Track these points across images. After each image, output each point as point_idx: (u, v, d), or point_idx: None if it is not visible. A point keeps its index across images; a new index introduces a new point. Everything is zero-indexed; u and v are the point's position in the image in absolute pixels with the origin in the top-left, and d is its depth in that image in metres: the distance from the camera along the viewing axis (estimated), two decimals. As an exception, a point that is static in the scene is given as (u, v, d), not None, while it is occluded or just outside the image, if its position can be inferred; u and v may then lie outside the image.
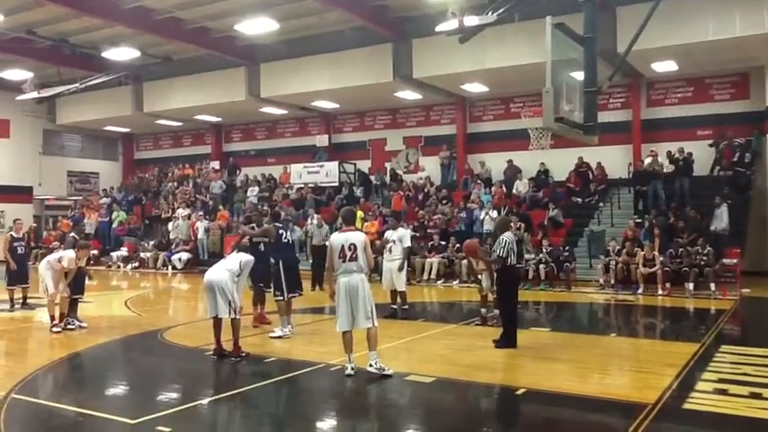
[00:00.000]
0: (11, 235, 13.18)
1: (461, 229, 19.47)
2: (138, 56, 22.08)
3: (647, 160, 19.13)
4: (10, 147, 28.65)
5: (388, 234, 11.54)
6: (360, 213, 21.35)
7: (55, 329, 10.27)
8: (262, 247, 10.27)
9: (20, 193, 28.53)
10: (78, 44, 22.51)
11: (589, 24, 10.11)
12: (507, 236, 9.03)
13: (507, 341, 8.81)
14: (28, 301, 13.22)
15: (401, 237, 11.58)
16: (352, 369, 7.28)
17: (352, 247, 7.33)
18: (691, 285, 14.80)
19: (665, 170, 18.74)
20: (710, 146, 19.15)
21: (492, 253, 9.28)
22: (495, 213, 18.43)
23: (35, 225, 28.42)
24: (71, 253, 10.57)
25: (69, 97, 26.09)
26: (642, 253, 15.39)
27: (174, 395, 7.02)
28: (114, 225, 26.28)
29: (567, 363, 8.21)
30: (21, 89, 24.10)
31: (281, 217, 11.87)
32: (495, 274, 9.53)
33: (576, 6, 10.52)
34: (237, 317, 8.26)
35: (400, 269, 11.42)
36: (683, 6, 15.97)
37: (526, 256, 16.38)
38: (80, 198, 30.39)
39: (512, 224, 11.61)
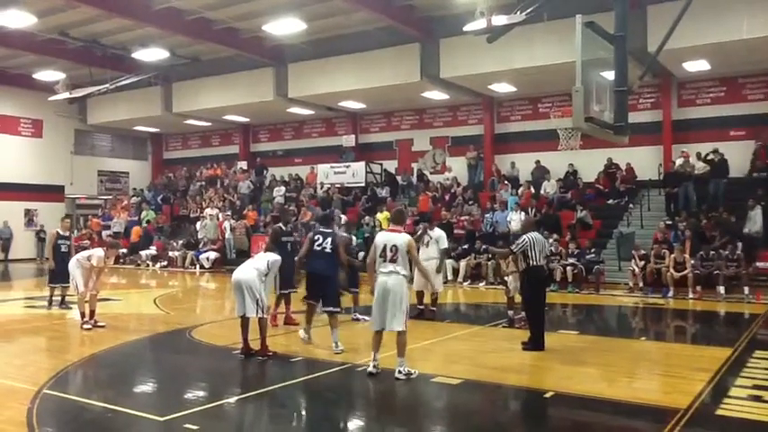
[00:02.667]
0: (57, 232, 13.08)
1: (488, 230, 19.35)
2: (168, 56, 22.36)
3: (679, 161, 18.85)
4: (43, 147, 29.17)
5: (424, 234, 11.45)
6: (386, 214, 21.38)
7: (85, 327, 10.42)
8: (289, 246, 10.22)
9: (52, 192, 29.02)
10: (109, 45, 22.85)
11: (620, 23, 9.99)
12: (529, 236, 8.92)
13: (534, 344, 8.73)
14: (66, 300, 13.00)
15: (438, 237, 11.48)
16: (375, 368, 7.29)
17: (393, 248, 7.26)
18: (722, 289, 14.53)
19: (696, 171, 18.44)
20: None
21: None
22: (520, 215, 18.27)
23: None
24: (100, 251, 10.71)
25: (100, 98, 26.51)
26: (672, 256, 15.15)
27: (202, 393, 7.07)
28: (143, 224, 26.60)
29: (596, 366, 8.11)
30: (53, 90, 24.54)
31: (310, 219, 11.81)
32: (520, 275, 9.41)
33: (606, 5, 10.42)
34: (265, 316, 8.30)
35: (438, 270, 11.30)
36: (715, 4, 15.70)
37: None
38: (110, 197, 30.84)
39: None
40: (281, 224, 10.70)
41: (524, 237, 8.91)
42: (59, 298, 12.93)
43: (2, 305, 14.22)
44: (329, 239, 8.81)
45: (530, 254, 8.78)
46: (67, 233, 13.26)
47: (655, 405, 6.37)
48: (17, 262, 26.82)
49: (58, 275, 12.59)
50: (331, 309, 8.68)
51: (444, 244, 11.71)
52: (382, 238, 7.45)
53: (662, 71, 18.94)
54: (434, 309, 11.55)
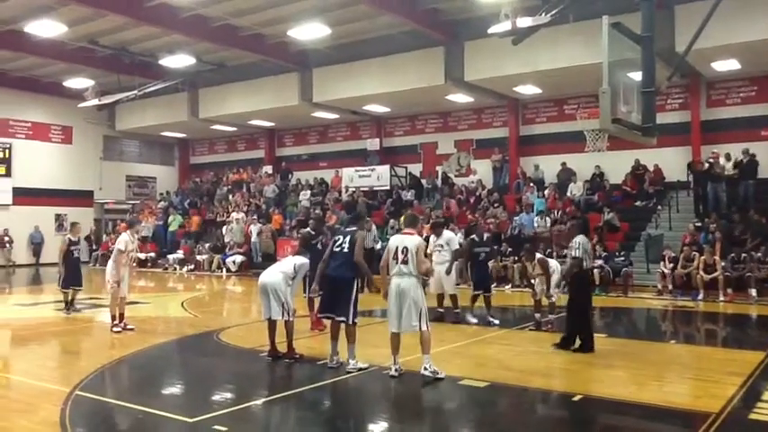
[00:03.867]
0: (68, 238, 13.15)
1: (514, 233, 19.25)
2: (194, 63, 22.62)
3: (708, 162, 18.57)
4: (73, 153, 29.67)
5: (432, 239, 11.51)
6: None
7: (115, 329, 10.56)
8: (320, 246, 10.06)
9: (81, 197, 29.52)
10: (137, 52, 23.18)
11: (647, 23, 9.88)
12: (581, 238, 8.90)
13: (587, 346, 8.72)
14: (76, 303, 13.19)
15: (448, 240, 11.50)
16: (396, 371, 7.33)
17: (404, 250, 7.36)
18: (754, 291, 14.29)
19: (726, 172, 18.16)
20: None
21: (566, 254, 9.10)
22: (543, 219, 18.16)
23: (94, 228, 29.44)
24: (123, 236, 10.83)
25: (128, 104, 26.93)
26: (702, 258, 14.93)
27: (230, 395, 7.12)
28: (171, 228, 26.90)
29: (625, 369, 8.02)
30: (82, 97, 24.97)
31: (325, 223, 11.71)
32: (571, 278, 9.29)
33: (632, 6, 10.30)
34: (291, 319, 8.34)
35: (448, 272, 11.29)
36: (745, 3, 15.43)
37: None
38: (138, 202, 31.27)
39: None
40: (309, 228, 10.75)
41: (577, 240, 8.89)
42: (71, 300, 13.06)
43: (34, 308, 14.52)
44: (348, 237, 7.95)
45: (583, 257, 8.81)
46: (77, 238, 13.37)
47: (685, 409, 6.28)
48: (48, 266, 27.28)
49: (71, 279, 12.83)
50: (342, 319, 7.66)
51: (455, 245, 11.73)
52: (395, 241, 7.58)
53: (690, 71, 18.69)
54: (458, 311, 11.50)
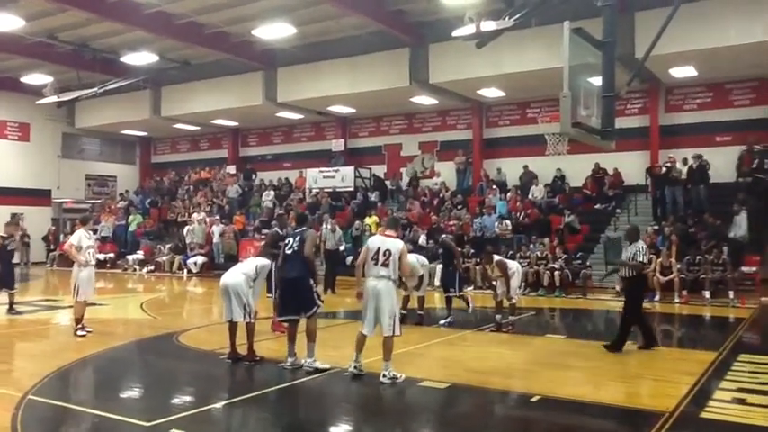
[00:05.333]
0: (1, 236, 12.52)
1: (477, 234, 19.41)
2: (157, 60, 22.30)
3: (665, 167, 18.96)
4: (30, 150, 28.98)
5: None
6: (375, 219, 21.42)
7: (80, 333, 10.22)
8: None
9: (38, 196, 28.84)
10: (98, 49, 22.76)
11: (608, 29, 10.02)
12: (641, 243, 9.24)
13: (648, 342, 9.19)
14: (15, 306, 12.69)
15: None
16: (357, 368, 7.35)
17: (387, 252, 7.27)
18: (708, 293, 14.66)
19: (682, 176, 18.58)
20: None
21: (632, 258, 9.23)
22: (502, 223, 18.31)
23: (53, 228, 28.80)
24: (77, 232, 10.51)
25: (88, 101, 26.34)
26: (659, 260, 15.25)
27: (189, 398, 7.04)
28: (131, 228, 26.47)
29: (583, 370, 8.16)
30: (41, 93, 24.39)
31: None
32: (625, 281, 9.58)
33: (594, 11, 10.44)
34: (252, 321, 8.28)
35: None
36: (702, 11, 15.83)
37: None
38: (98, 201, 30.67)
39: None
40: (277, 229, 10.67)
41: (639, 244, 9.19)
42: (8, 305, 12.54)
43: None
44: (298, 237, 7.91)
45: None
46: (8, 234, 12.72)
47: (640, 408, 6.42)
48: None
49: (2, 280, 12.35)
50: (308, 313, 7.70)
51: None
52: (376, 242, 7.46)
53: (649, 77, 19.09)
54: (422, 312, 11.58)
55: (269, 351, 8.76)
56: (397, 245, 7.36)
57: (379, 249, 7.31)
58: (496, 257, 11.33)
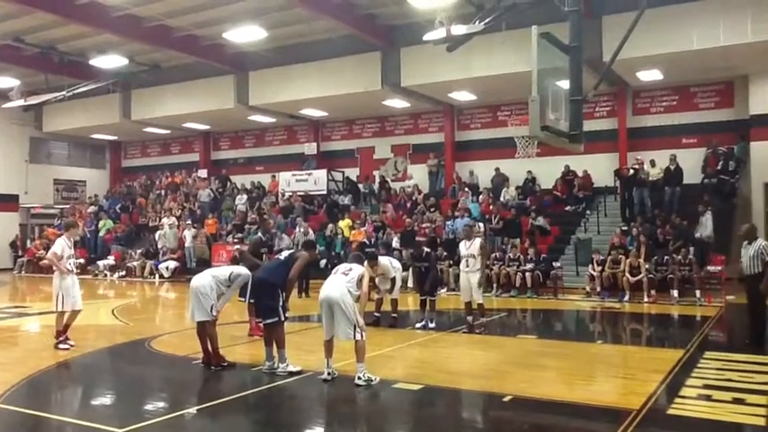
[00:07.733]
0: None
1: (449, 237, 19.51)
2: (127, 63, 22.08)
3: (633, 168, 19.28)
4: (-4, 154, 28.48)
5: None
6: (347, 222, 21.45)
7: (62, 346, 9.54)
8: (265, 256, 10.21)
9: (5, 202, 28.33)
10: (66, 51, 22.48)
11: (575, 33, 10.22)
12: (762, 241, 9.50)
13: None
14: None
15: (385, 270, 11.41)
16: (329, 374, 7.38)
17: (351, 269, 7.55)
18: (675, 293, 14.94)
19: (651, 178, 18.91)
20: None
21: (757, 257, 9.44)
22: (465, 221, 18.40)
23: (20, 234, 28.29)
24: (59, 240, 10.00)
25: (56, 105, 26.00)
26: (628, 260, 15.52)
27: (162, 404, 7.00)
28: (101, 233, 26.13)
29: (554, 370, 8.28)
30: (7, 97, 24.00)
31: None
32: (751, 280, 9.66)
33: (562, 15, 10.63)
34: (212, 319, 8.12)
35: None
36: (668, 16, 16.14)
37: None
38: (67, 206, 30.21)
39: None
40: (260, 234, 10.65)
41: (761, 242, 9.42)
42: None
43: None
44: (291, 254, 8.44)
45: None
46: None
47: (610, 406, 6.53)
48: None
49: None
50: (265, 321, 7.90)
51: (391, 274, 11.66)
52: (343, 265, 7.85)
53: (617, 80, 19.41)
54: (395, 315, 11.62)
55: (243, 356, 8.74)
56: (360, 269, 7.63)
57: (344, 265, 7.75)
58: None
